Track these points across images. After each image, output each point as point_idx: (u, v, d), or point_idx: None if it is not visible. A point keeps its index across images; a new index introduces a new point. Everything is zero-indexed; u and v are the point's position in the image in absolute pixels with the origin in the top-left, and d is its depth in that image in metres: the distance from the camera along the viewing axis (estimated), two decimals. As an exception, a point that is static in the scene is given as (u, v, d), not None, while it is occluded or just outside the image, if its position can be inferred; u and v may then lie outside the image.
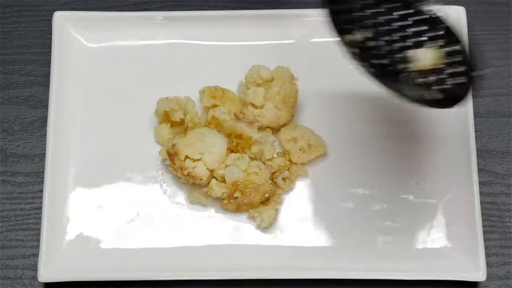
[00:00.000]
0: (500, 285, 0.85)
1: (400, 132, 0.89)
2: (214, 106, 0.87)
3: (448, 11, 0.90)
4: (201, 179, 0.84)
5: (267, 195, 0.85)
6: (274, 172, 0.86)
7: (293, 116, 0.88)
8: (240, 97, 0.89)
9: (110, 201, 0.87)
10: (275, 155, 0.87)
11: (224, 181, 0.85)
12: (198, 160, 0.84)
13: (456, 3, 0.91)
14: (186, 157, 0.84)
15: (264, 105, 0.86)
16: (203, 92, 0.88)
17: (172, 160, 0.84)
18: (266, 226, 0.85)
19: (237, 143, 0.86)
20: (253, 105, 0.86)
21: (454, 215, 0.85)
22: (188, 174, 0.84)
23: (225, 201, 0.85)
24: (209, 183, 0.85)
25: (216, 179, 0.85)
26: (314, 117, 0.89)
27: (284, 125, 0.88)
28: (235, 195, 0.84)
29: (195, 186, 0.86)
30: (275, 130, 0.88)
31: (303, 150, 0.86)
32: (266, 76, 0.87)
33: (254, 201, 0.85)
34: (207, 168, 0.84)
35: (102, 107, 0.89)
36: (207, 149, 0.84)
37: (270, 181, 0.85)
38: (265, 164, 0.86)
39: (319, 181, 0.87)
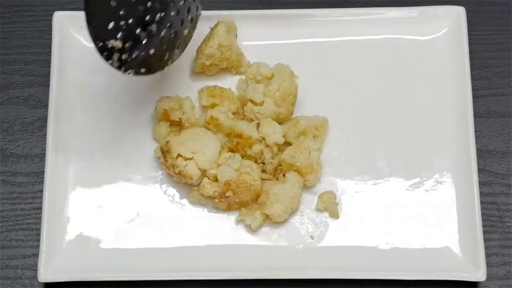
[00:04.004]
0: (500, 285, 0.85)
1: (399, 132, 0.89)
2: (214, 105, 0.87)
3: (448, 11, 0.91)
4: (191, 178, 0.84)
5: (259, 195, 0.85)
6: (275, 169, 0.86)
7: (292, 113, 0.88)
8: (239, 94, 0.89)
9: (110, 201, 0.87)
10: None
11: (216, 180, 0.85)
12: (189, 159, 0.83)
13: (456, 3, 0.91)
14: (178, 155, 0.83)
15: (263, 102, 0.86)
16: (202, 91, 0.88)
17: (165, 157, 0.84)
18: (256, 229, 0.85)
19: (237, 143, 0.86)
20: (252, 101, 0.86)
21: (454, 215, 0.85)
22: (179, 173, 0.84)
23: (216, 200, 0.85)
24: (200, 182, 0.85)
25: (208, 178, 0.85)
26: (314, 114, 0.88)
27: (283, 121, 0.87)
28: (227, 194, 0.84)
29: (195, 186, 0.86)
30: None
31: (316, 136, 0.86)
32: (266, 73, 0.87)
33: (246, 200, 0.85)
34: (199, 168, 0.84)
35: (102, 107, 0.89)
36: (199, 149, 0.84)
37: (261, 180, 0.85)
38: (258, 163, 0.86)
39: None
